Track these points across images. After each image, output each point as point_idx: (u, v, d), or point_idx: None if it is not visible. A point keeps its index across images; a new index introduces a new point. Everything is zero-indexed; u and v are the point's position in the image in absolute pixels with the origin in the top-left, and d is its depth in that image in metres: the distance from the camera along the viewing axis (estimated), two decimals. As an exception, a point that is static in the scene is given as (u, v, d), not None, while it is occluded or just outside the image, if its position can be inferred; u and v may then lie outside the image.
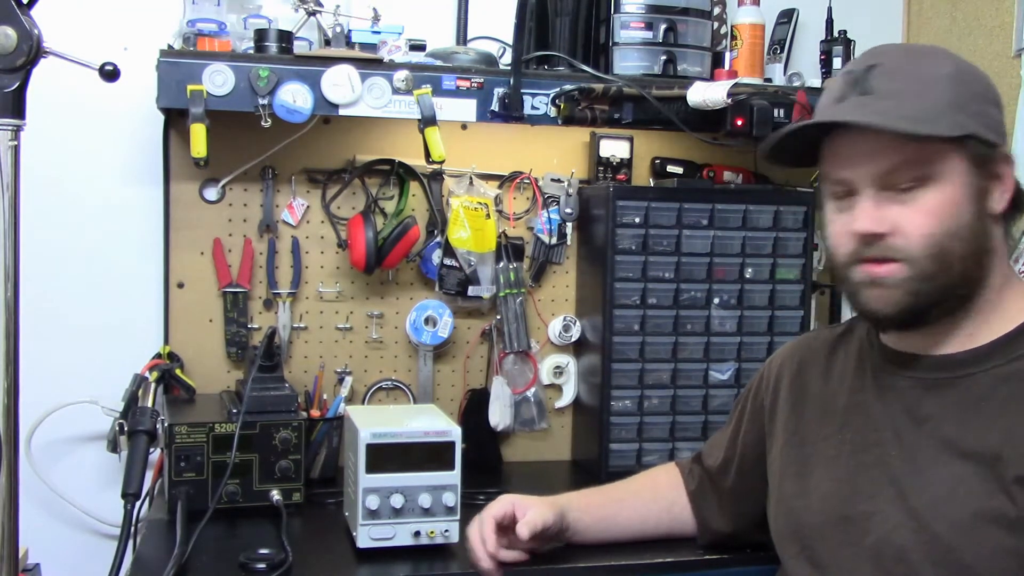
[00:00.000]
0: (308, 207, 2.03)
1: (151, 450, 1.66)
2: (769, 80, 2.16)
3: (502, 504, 1.46)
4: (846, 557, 1.21)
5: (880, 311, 1.20)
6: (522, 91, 1.88)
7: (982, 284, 1.19)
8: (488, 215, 2.04)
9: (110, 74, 1.26)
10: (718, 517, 1.53)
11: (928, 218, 1.15)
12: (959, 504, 1.13)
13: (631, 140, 2.13)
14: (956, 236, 1.16)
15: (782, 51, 2.19)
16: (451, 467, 1.54)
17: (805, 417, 1.34)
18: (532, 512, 1.43)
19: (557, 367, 2.14)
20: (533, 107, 1.90)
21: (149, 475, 1.75)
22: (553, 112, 1.92)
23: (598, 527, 1.53)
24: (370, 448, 1.50)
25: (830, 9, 2.24)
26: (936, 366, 1.21)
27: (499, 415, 2.07)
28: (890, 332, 1.27)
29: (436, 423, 1.58)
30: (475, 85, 1.87)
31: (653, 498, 1.57)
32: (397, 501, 1.51)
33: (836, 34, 2.19)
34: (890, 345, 1.27)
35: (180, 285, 1.98)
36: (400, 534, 1.52)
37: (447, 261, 2.05)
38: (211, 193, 1.99)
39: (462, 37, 2.09)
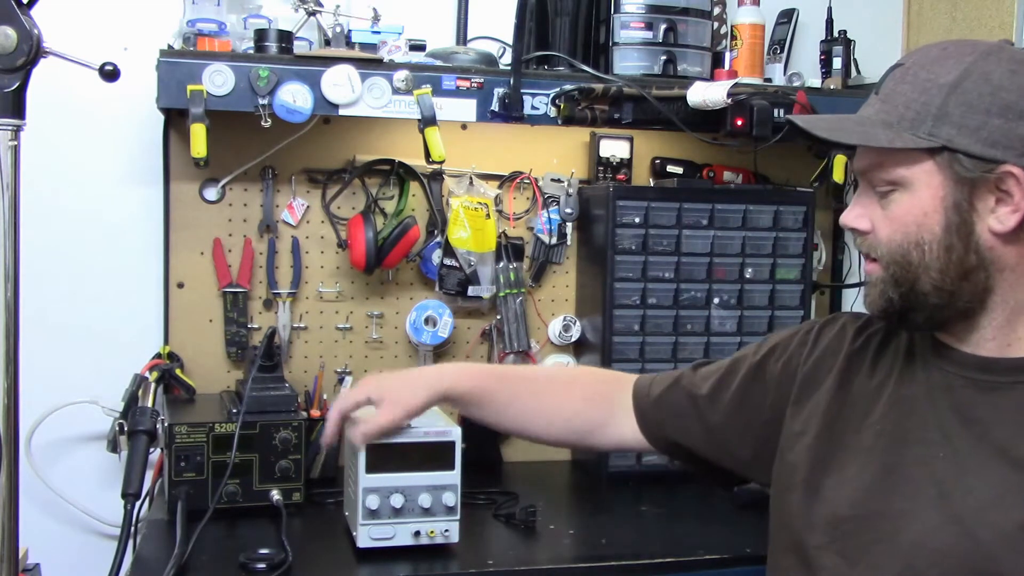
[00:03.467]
0: (308, 207, 2.03)
1: (151, 450, 1.66)
2: (769, 80, 2.16)
3: (363, 391, 1.49)
4: (877, 553, 1.17)
5: (868, 309, 1.21)
6: (522, 91, 1.88)
7: (991, 296, 1.15)
8: (488, 215, 2.04)
9: (110, 74, 1.26)
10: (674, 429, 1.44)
11: (893, 224, 1.15)
12: (1004, 512, 1.09)
13: (631, 140, 2.13)
14: (921, 247, 1.13)
15: (782, 51, 2.19)
16: (451, 467, 1.54)
17: (848, 404, 1.28)
18: (381, 417, 1.45)
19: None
20: (533, 107, 1.90)
21: (149, 475, 1.75)
22: (553, 112, 1.91)
23: (490, 409, 1.49)
24: (370, 448, 1.50)
25: (830, 9, 2.24)
26: (991, 368, 1.17)
27: (499, 415, 2.07)
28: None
29: (436, 423, 1.58)
30: (475, 85, 1.87)
31: (567, 383, 1.53)
32: (397, 501, 1.51)
33: (836, 34, 2.19)
34: (945, 341, 1.21)
35: (180, 285, 1.98)
36: (400, 534, 1.52)
37: (447, 261, 2.05)
38: (211, 193, 1.99)
39: (462, 37, 2.09)
